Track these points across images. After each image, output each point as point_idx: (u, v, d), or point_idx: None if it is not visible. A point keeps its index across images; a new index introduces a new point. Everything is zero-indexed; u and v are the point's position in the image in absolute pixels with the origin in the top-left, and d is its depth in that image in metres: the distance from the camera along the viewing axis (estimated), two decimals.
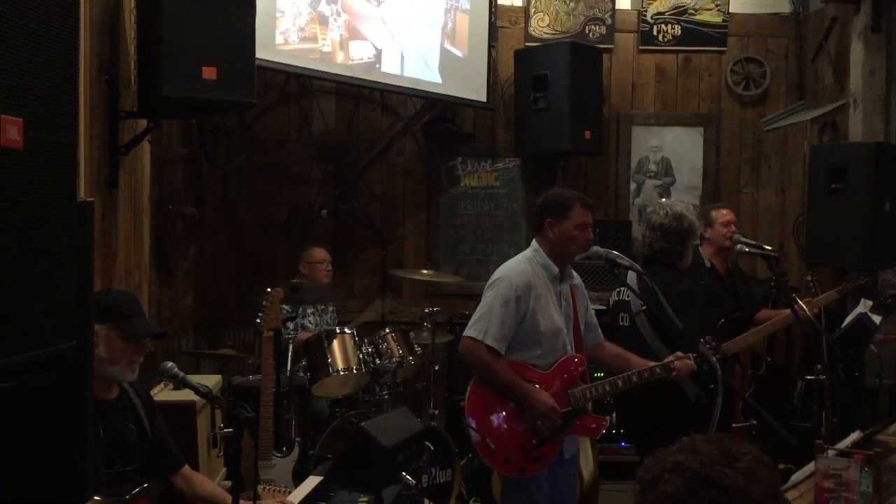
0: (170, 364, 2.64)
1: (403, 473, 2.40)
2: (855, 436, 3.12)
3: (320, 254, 5.25)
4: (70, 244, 1.58)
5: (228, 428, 3.48)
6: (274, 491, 3.09)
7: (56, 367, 1.58)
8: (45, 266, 1.49)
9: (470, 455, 4.66)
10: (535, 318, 3.28)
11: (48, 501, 1.72)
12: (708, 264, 4.55)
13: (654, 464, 1.28)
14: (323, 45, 4.93)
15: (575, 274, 3.55)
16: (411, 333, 4.90)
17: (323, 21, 4.93)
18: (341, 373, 4.47)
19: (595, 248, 3.36)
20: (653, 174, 6.16)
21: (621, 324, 3.72)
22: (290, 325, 4.89)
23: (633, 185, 6.16)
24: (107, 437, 2.61)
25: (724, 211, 4.81)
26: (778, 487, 1.25)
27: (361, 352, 4.57)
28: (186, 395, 3.27)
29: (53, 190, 1.52)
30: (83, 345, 1.69)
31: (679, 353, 3.32)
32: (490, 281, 3.38)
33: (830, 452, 2.57)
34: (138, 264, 4.17)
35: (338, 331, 4.61)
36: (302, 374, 4.65)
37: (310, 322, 5.15)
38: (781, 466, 4.65)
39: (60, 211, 1.54)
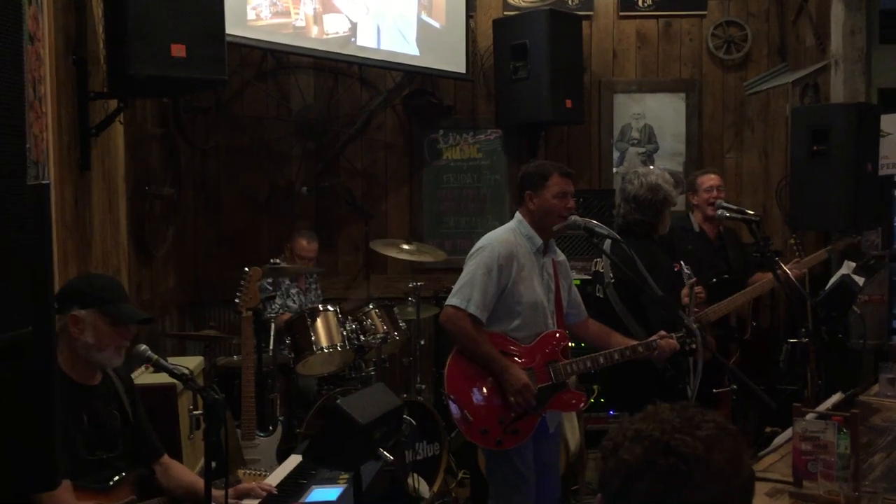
0: (143, 347, 2.61)
1: (381, 450, 2.38)
2: (836, 397, 3.13)
3: (306, 249, 5.13)
4: (21, 229, 1.54)
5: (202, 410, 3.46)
6: (253, 475, 3.07)
7: (11, 354, 1.55)
8: None
9: (458, 429, 4.66)
10: (516, 288, 3.26)
11: (14, 490, 1.70)
12: (697, 229, 4.54)
13: (617, 432, 1.26)
14: (296, 19, 4.86)
15: (559, 250, 3.54)
16: (395, 309, 4.89)
17: None
18: (325, 350, 4.46)
19: (573, 217, 3.33)
20: (636, 141, 6.12)
21: (597, 295, 3.70)
22: (276, 303, 4.86)
23: (616, 154, 6.12)
24: (91, 423, 2.59)
25: (708, 176, 4.82)
26: (741, 456, 1.22)
27: (345, 329, 4.55)
28: (167, 377, 3.25)
29: (0, 174, 1.48)
30: (42, 331, 1.66)
31: (663, 333, 3.31)
32: (472, 250, 3.37)
33: (809, 415, 2.57)
34: (115, 247, 4.13)
35: (321, 308, 4.59)
36: (287, 353, 4.63)
37: (293, 302, 5.12)
38: (767, 430, 4.67)
39: (9, 196, 1.50)
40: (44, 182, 1.75)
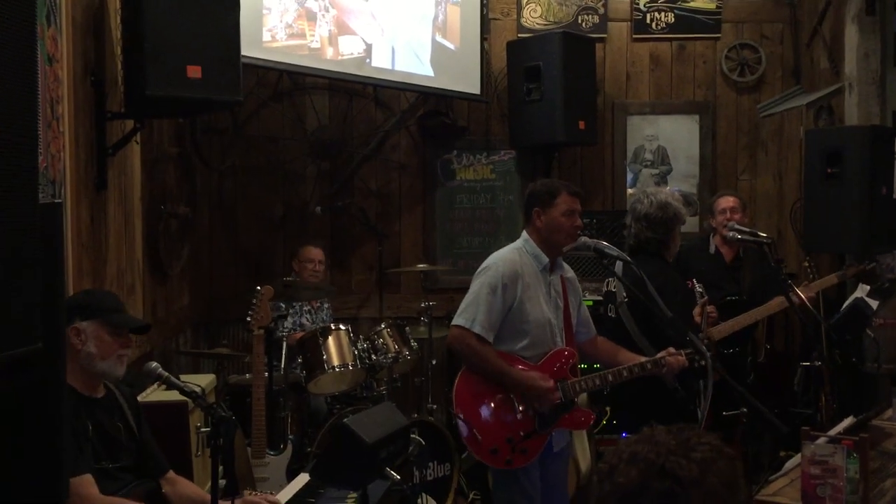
0: (154, 364, 2.65)
1: (388, 469, 2.38)
2: (848, 421, 3.10)
3: (311, 253, 5.19)
4: (31, 247, 1.57)
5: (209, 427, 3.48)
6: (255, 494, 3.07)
7: (21, 370, 1.57)
8: (2, 270, 1.48)
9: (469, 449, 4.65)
10: (522, 307, 3.27)
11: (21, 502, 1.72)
12: (713, 250, 4.53)
13: (613, 454, 1.26)
14: (311, 41, 4.92)
15: (567, 267, 3.54)
16: (407, 328, 4.89)
17: (311, 17, 4.91)
18: (337, 369, 4.47)
19: (583, 238, 3.35)
20: (649, 163, 6.13)
21: (609, 315, 3.70)
22: (287, 322, 4.88)
23: (629, 175, 6.12)
24: (95, 433, 2.63)
25: (725, 199, 4.83)
26: (737, 479, 1.22)
27: (357, 348, 4.56)
28: (179, 395, 3.27)
29: (12, 192, 1.51)
30: (52, 347, 1.69)
31: (671, 349, 3.30)
32: (478, 270, 3.39)
33: (820, 439, 2.55)
34: (130, 265, 4.17)
35: (333, 327, 4.61)
36: (298, 372, 4.65)
37: (307, 320, 5.14)
38: (782, 454, 4.64)
39: (20, 214, 1.53)
40: (56, 201, 1.78)
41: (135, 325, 2.76)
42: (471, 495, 4.87)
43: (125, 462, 2.69)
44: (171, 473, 2.84)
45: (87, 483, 2.45)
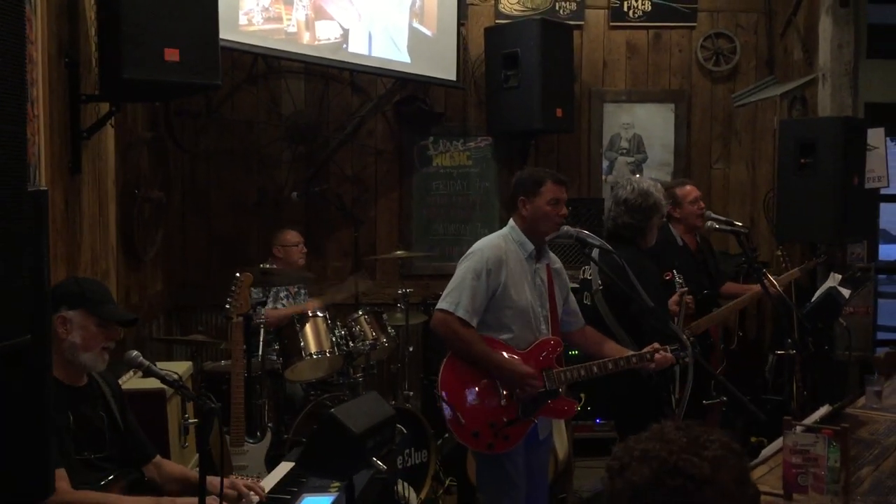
0: (135, 353, 2.60)
1: (374, 459, 2.37)
2: (824, 410, 3.16)
3: (294, 236, 5.20)
4: (21, 235, 1.53)
5: (196, 418, 3.45)
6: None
7: (10, 362, 1.54)
8: None
9: (446, 435, 4.66)
10: (506, 293, 3.28)
11: (7, 499, 1.68)
12: (680, 243, 4.55)
13: (623, 452, 1.27)
14: (288, 25, 4.86)
15: (554, 257, 3.55)
16: (384, 315, 4.88)
17: (288, 1, 4.85)
18: (314, 356, 4.45)
19: (565, 227, 3.36)
20: (625, 151, 6.16)
21: (585, 302, 3.71)
22: (262, 309, 4.84)
23: (605, 163, 6.15)
24: (77, 423, 2.59)
25: (689, 188, 4.80)
26: (747, 475, 1.24)
27: (334, 335, 4.54)
28: (156, 382, 3.23)
29: (0, 180, 1.47)
30: (39, 338, 1.65)
31: (656, 345, 3.32)
32: (464, 255, 3.40)
33: (798, 428, 2.59)
34: (104, 250, 4.10)
35: (310, 314, 4.59)
36: (275, 359, 4.62)
37: (283, 304, 5.11)
38: (753, 440, 4.71)
39: (8, 201, 1.49)
40: (42, 188, 1.74)
41: (123, 319, 2.70)
42: (447, 481, 4.88)
43: (108, 452, 2.65)
44: (158, 458, 2.81)
45: (57, 477, 2.40)
